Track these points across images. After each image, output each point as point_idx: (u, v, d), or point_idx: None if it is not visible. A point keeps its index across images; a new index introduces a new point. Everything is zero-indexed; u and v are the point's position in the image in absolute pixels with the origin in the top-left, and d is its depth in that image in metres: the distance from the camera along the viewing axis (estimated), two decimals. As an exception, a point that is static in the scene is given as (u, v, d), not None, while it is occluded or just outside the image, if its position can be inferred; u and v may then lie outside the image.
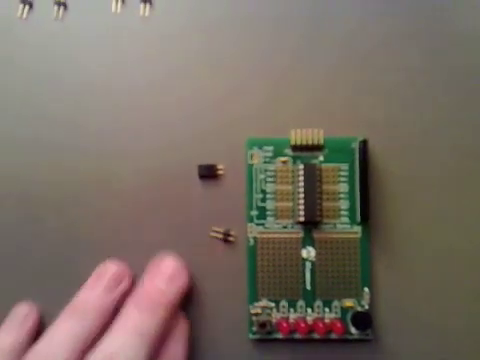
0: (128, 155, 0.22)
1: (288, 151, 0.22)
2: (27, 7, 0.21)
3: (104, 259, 0.21)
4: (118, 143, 0.22)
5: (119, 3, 0.22)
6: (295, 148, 0.22)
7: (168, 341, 0.20)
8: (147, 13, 0.23)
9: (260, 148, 0.22)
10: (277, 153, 0.22)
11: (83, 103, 0.22)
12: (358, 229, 0.22)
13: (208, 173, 0.22)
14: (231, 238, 0.22)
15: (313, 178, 0.22)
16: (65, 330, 0.19)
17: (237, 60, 0.23)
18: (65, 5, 0.22)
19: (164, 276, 0.20)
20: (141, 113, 0.22)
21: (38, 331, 0.21)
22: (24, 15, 0.21)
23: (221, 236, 0.22)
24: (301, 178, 0.21)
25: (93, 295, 0.20)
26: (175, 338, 0.20)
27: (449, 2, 0.23)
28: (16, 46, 0.22)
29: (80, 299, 0.20)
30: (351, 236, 0.22)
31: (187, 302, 0.22)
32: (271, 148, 0.22)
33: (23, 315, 0.21)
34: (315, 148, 0.22)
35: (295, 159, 0.22)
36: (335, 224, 0.22)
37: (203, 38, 0.23)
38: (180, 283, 0.21)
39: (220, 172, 0.22)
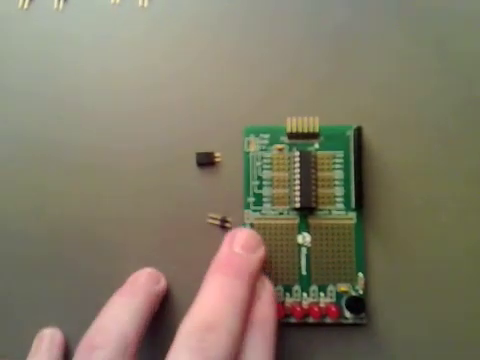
0: (126, 141, 0.23)
1: (284, 139, 0.22)
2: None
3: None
4: (117, 129, 0.23)
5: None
6: (291, 136, 0.22)
7: (257, 304, 0.20)
8: (146, 4, 0.23)
9: (257, 136, 0.22)
10: (273, 141, 0.22)
11: (84, 92, 0.23)
12: (353, 215, 0.22)
13: (206, 160, 0.23)
14: (228, 224, 0.23)
15: (309, 165, 0.22)
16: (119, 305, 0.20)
17: (235, 50, 0.23)
18: None
19: (243, 244, 0.21)
20: (139, 100, 0.23)
21: (65, 355, 0.22)
22: (25, 6, 0.22)
23: (218, 222, 0.23)
24: (297, 165, 0.22)
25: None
26: (263, 300, 0.20)
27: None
28: (16, 37, 0.23)
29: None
30: (346, 222, 0.22)
31: (182, 287, 0.22)
32: (267, 136, 0.22)
33: (48, 340, 0.22)
34: (311, 136, 0.22)
35: (291, 146, 0.22)
36: (330, 210, 0.22)
37: (202, 29, 0.23)
38: (259, 250, 0.21)
39: (217, 160, 0.23)
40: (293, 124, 0.22)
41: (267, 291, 0.20)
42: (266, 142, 0.22)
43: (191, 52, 0.23)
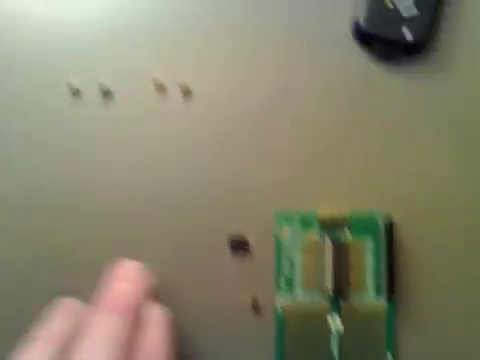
0: (158, 222, 0.24)
1: (315, 225, 0.23)
2: (75, 95, 0.24)
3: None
4: (149, 207, 0.24)
5: (161, 91, 0.24)
6: (322, 223, 0.23)
7: (146, 333, 0.20)
8: (186, 101, 0.24)
9: (288, 222, 0.23)
10: (305, 227, 0.23)
11: (126, 180, 0.24)
12: (384, 301, 0.23)
13: (238, 246, 0.24)
14: (259, 307, 0.23)
15: (340, 252, 0.22)
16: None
17: (268, 135, 0.24)
18: (110, 93, 0.24)
19: (126, 278, 0.21)
20: (173, 182, 0.24)
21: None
22: (72, 103, 0.24)
23: (249, 304, 0.23)
24: (328, 251, 0.23)
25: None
26: (151, 329, 0.20)
27: None
28: (64, 132, 0.24)
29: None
30: (377, 308, 0.22)
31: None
32: (299, 222, 0.23)
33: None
34: (341, 224, 0.23)
35: (322, 233, 0.23)
36: (362, 296, 0.23)
37: (237, 119, 0.24)
38: (142, 281, 0.21)
39: (250, 247, 0.24)
40: (324, 211, 0.23)
41: (156, 318, 0.21)
42: (298, 228, 0.23)
43: (226, 141, 0.24)
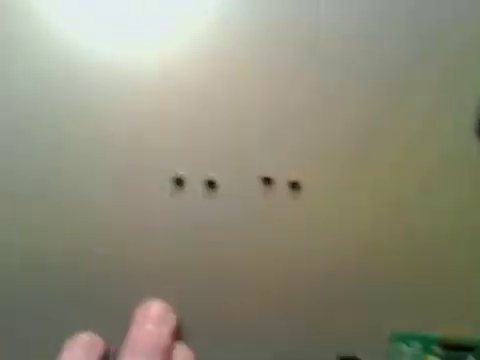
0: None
1: (437, 350, 0.20)
2: (177, 184, 0.21)
3: None
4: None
5: (267, 188, 0.21)
6: (445, 347, 0.20)
7: None
8: (295, 199, 0.21)
9: (406, 344, 0.20)
10: (425, 350, 0.20)
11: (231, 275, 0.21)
12: None
13: (347, 364, 0.21)
14: None
15: None
16: None
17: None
18: (214, 184, 0.21)
19: (153, 319, 0.20)
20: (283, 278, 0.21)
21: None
22: (174, 192, 0.21)
23: None
24: None
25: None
26: None
27: None
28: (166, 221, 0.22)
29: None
30: None
31: None
32: (418, 345, 0.20)
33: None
34: (467, 348, 0.20)
35: (444, 359, 0.20)
36: None
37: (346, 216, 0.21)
38: (170, 321, 0.20)
39: (359, 364, 0.21)
40: (447, 334, 0.20)
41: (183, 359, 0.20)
42: (417, 353, 0.20)
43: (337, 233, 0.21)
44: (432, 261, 0.21)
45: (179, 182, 0.21)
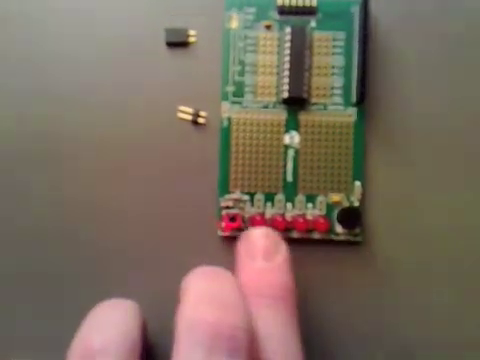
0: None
1: (273, 14, 0.18)
2: None
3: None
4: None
5: None
6: (282, 11, 0.18)
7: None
8: None
9: (240, 9, 0.18)
10: (260, 16, 0.18)
11: None
12: (353, 111, 0.18)
13: (177, 39, 0.19)
14: (202, 119, 0.19)
15: (302, 46, 0.18)
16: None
17: None
18: None
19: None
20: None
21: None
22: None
23: (190, 117, 0.19)
24: (287, 46, 0.18)
25: None
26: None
27: None
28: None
29: None
30: (344, 119, 0.18)
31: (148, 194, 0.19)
32: (253, 10, 0.18)
33: None
34: (306, 11, 0.18)
35: (281, 24, 0.18)
36: (325, 104, 0.18)
37: None
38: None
39: (191, 39, 0.19)
40: (285, -2, 0.18)
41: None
42: (251, 18, 0.18)
43: None
44: None
45: None
